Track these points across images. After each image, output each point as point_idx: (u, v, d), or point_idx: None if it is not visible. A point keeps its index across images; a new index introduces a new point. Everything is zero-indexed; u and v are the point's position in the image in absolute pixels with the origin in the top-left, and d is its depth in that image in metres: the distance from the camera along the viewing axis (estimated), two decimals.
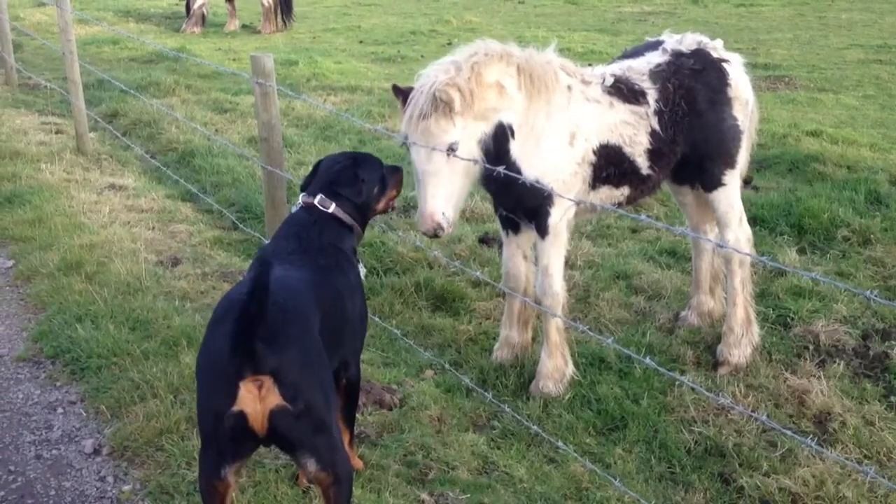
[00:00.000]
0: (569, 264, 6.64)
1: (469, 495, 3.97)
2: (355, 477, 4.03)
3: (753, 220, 6.83)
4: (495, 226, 6.94)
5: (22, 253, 6.83)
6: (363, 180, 4.00)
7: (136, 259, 6.41)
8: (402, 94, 4.49)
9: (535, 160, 4.67)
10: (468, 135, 4.44)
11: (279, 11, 20.04)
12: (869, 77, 14.20)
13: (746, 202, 5.83)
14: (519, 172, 4.53)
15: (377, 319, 5.47)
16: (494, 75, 4.55)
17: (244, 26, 21.37)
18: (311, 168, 4.20)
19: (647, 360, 3.44)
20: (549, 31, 18.85)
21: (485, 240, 7.10)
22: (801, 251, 6.79)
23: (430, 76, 4.43)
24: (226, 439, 3.04)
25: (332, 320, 3.48)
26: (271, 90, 5.17)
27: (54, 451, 4.46)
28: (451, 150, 4.35)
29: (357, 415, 4.67)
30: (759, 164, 8.95)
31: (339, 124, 11.15)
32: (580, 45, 17.10)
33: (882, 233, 6.96)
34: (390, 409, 4.77)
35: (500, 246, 5.61)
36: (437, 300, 6.11)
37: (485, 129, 4.55)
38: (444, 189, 4.40)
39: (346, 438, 3.85)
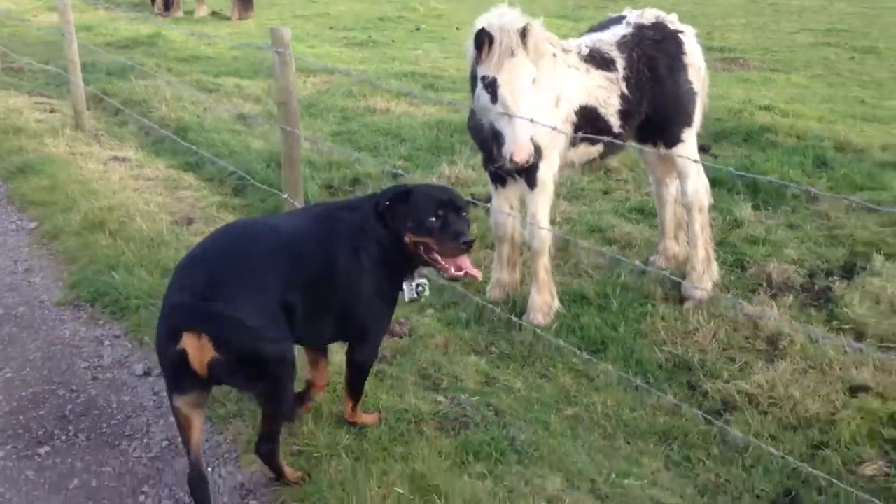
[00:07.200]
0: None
1: (478, 398, 4.64)
2: (379, 384, 4.69)
3: (713, 182, 7.56)
4: (476, 189, 7.64)
5: (44, 215, 7.33)
6: (390, 209, 3.91)
7: (155, 218, 6.97)
8: (489, 36, 5.02)
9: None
10: None
11: None
12: (818, 59, 15.09)
13: (707, 168, 6.51)
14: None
15: None
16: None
17: (213, 13, 21.78)
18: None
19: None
20: None
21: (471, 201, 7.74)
22: (756, 207, 7.56)
23: (508, 17, 5.17)
24: (170, 372, 3.45)
25: (315, 288, 3.67)
26: (289, 58, 5.76)
27: (108, 375, 5.01)
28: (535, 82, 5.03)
29: None
30: (717, 136, 9.72)
31: (321, 102, 11.74)
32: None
33: (827, 191, 7.75)
34: (401, 338, 5.42)
35: (489, 200, 6.26)
36: None
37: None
38: (528, 124, 4.89)
39: (348, 406, 4.23)
